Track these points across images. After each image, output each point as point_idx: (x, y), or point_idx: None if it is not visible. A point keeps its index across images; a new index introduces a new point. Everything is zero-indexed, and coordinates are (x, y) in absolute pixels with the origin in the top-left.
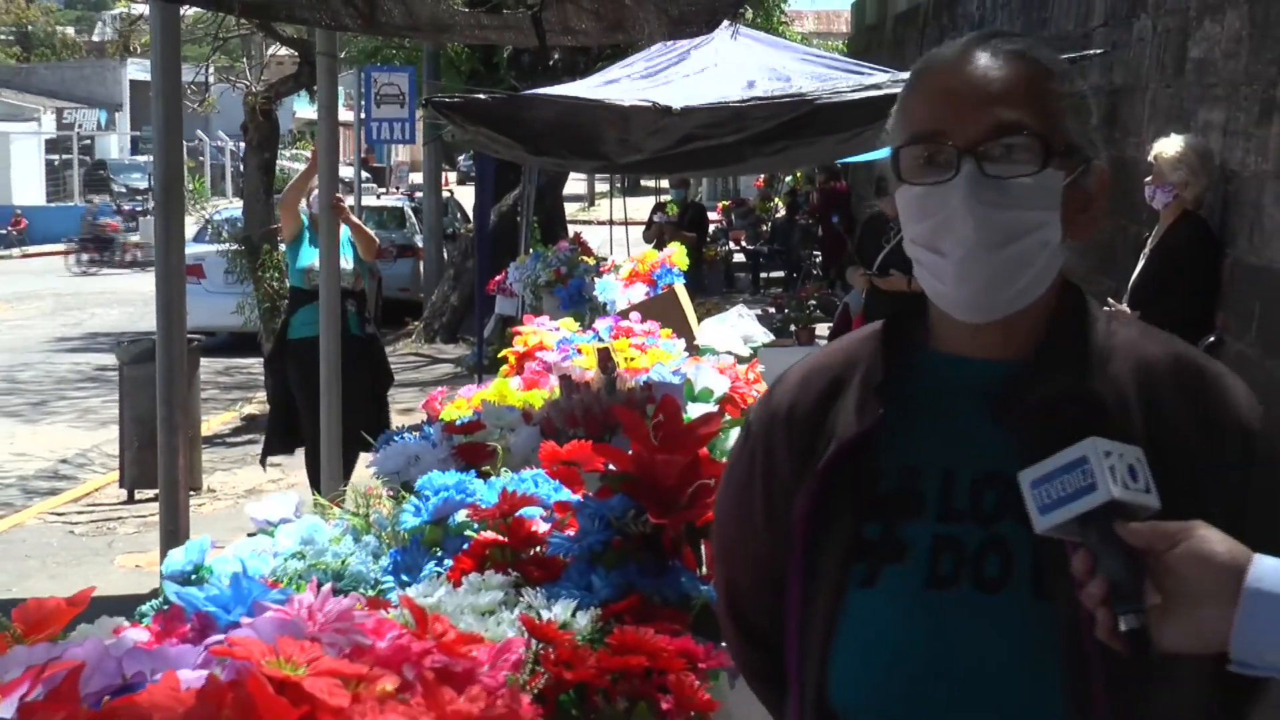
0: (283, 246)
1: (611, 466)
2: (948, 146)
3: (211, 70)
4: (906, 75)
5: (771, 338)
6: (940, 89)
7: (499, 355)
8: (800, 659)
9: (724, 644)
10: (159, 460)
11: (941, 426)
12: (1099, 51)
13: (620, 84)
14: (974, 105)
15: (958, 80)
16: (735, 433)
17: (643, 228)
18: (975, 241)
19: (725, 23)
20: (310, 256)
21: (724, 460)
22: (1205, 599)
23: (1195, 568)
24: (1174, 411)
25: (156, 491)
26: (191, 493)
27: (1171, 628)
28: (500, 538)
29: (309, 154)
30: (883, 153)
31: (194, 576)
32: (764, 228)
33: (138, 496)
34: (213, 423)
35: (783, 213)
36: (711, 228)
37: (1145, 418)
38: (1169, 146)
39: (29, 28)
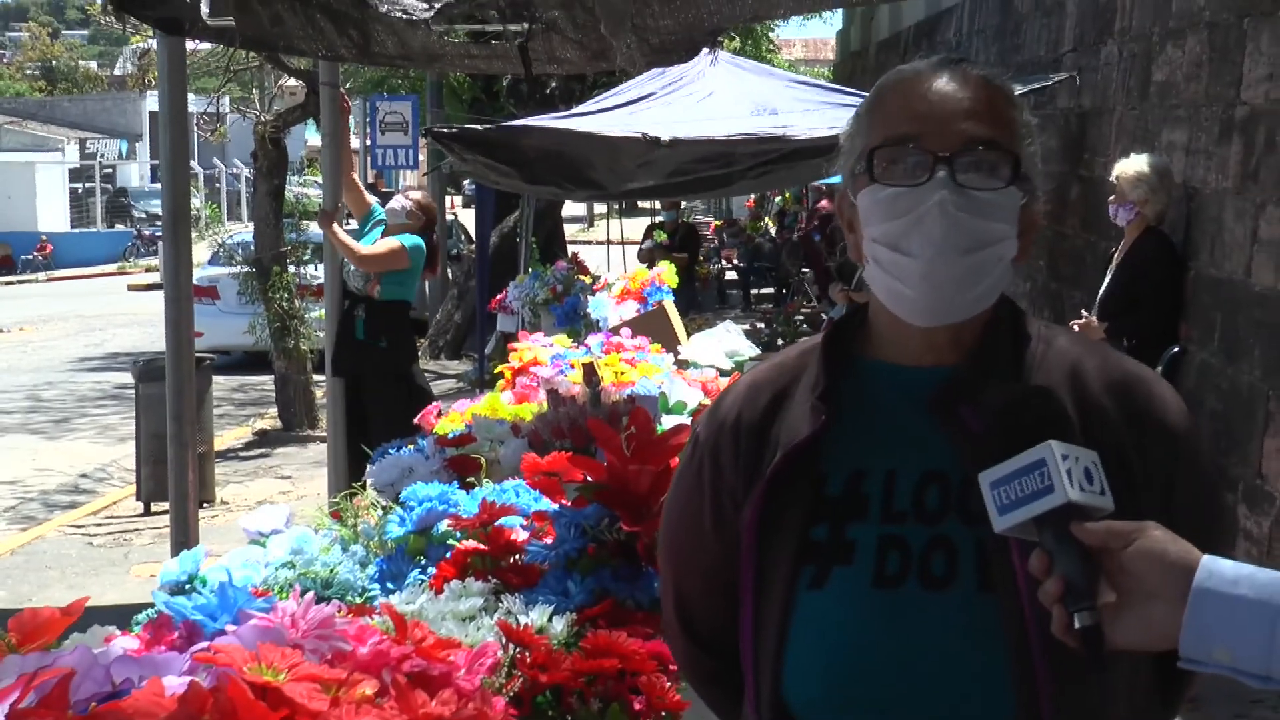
0: (292, 268)
1: (588, 477)
2: (923, 152)
3: (225, 101)
4: None
5: (757, 352)
6: (917, 97)
7: (498, 370)
8: (754, 660)
9: (670, 647)
10: (169, 474)
11: (883, 430)
12: (1066, 76)
13: (613, 112)
14: (950, 116)
15: (934, 92)
16: None
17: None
18: (945, 243)
19: (705, 50)
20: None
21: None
22: (1156, 597)
23: (1147, 567)
24: (1105, 415)
25: None
26: (204, 505)
27: (1124, 624)
28: (481, 546)
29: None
30: None
31: (188, 586)
32: (766, 244)
33: (153, 509)
34: (226, 438)
35: (773, 232)
36: (705, 246)
37: (1080, 422)
38: (1129, 166)
39: (54, 63)
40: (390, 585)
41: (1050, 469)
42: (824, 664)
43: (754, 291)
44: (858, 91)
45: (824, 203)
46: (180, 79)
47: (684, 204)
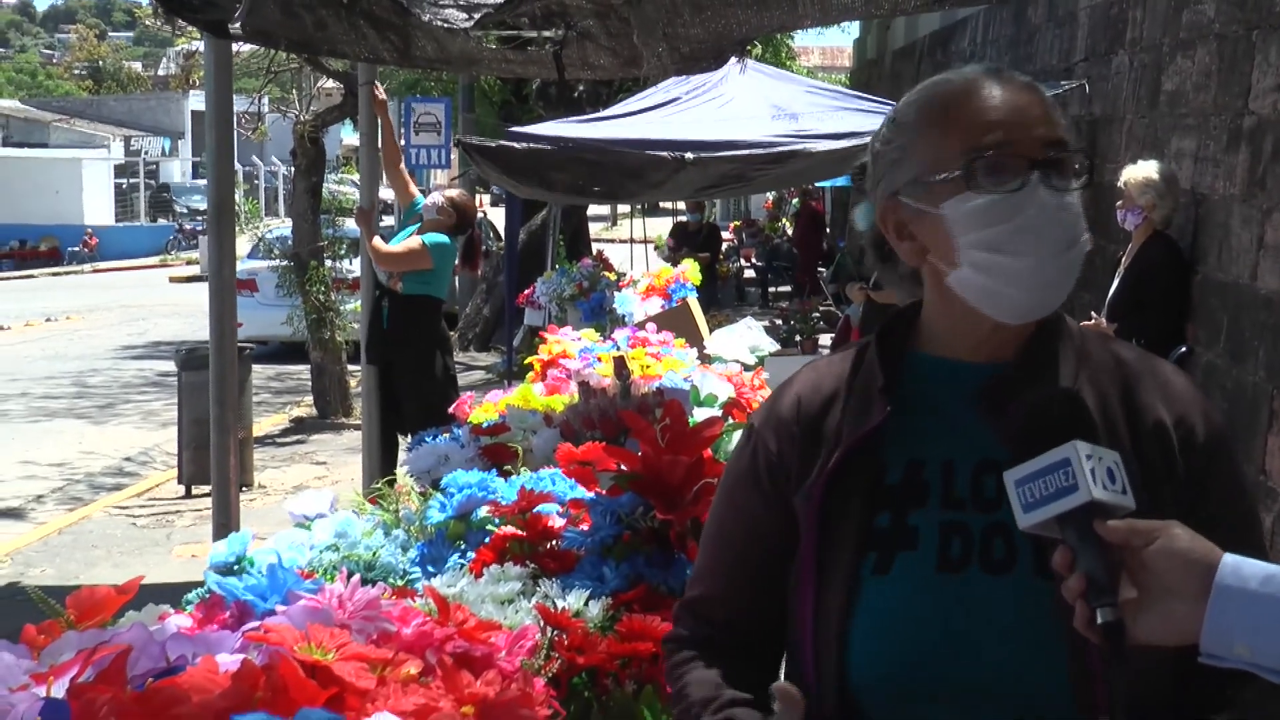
0: (329, 262)
1: (622, 467)
2: (1018, 157)
3: (265, 101)
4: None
5: (777, 347)
6: (996, 105)
7: (526, 363)
8: (815, 644)
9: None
10: (212, 458)
11: (939, 422)
12: (1077, 84)
13: (639, 116)
14: (1029, 122)
15: (1009, 99)
16: (737, 435)
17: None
18: (1058, 243)
19: (733, 59)
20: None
21: (726, 461)
22: (1178, 594)
23: (1169, 564)
24: (1146, 409)
25: (211, 487)
26: (243, 489)
27: (1146, 620)
28: (519, 532)
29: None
30: None
31: (236, 567)
32: (783, 244)
33: (194, 492)
34: (264, 424)
35: (790, 232)
36: (724, 246)
37: (1125, 417)
38: (1136, 172)
39: (100, 63)
40: (431, 569)
41: (1074, 468)
42: (891, 646)
43: (771, 289)
44: (874, 97)
45: (817, 203)
46: (226, 79)
47: (706, 204)
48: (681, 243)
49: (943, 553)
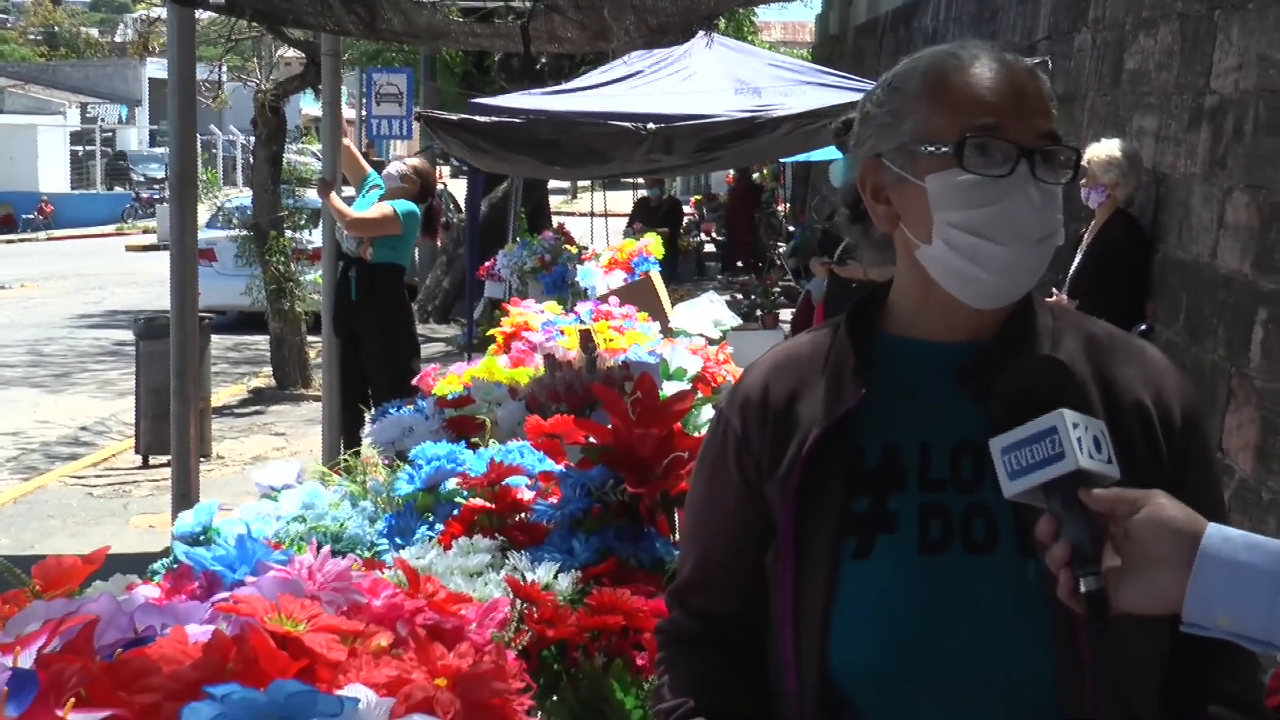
0: (289, 233)
1: (592, 439)
2: (1010, 143)
3: (224, 69)
4: (864, 81)
5: (739, 322)
6: (998, 89)
7: (487, 335)
8: (796, 631)
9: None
10: (172, 429)
11: (913, 404)
12: (1039, 61)
13: (603, 89)
14: (1026, 110)
15: (1012, 84)
16: (707, 409)
17: (622, 220)
18: (1032, 235)
19: (700, 33)
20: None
21: (697, 435)
22: (1162, 563)
23: (1153, 533)
24: (1122, 384)
25: (169, 458)
26: (201, 459)
27: (1130, 589)
28: (488, 504)
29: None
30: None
31: (202, 537)
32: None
33: (152, 462)
34: (222, 395)
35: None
36: (685, 220)
37: (1101, 393)
38: (1101, 150)
39: (56, 29)
40: (399, 540)
41: (1061, 436)
42: (874, 630)
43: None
44: (836, 72)
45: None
46: (189, 47)
47: (666, 180)
48: (643, 218)
49: (923, 535)
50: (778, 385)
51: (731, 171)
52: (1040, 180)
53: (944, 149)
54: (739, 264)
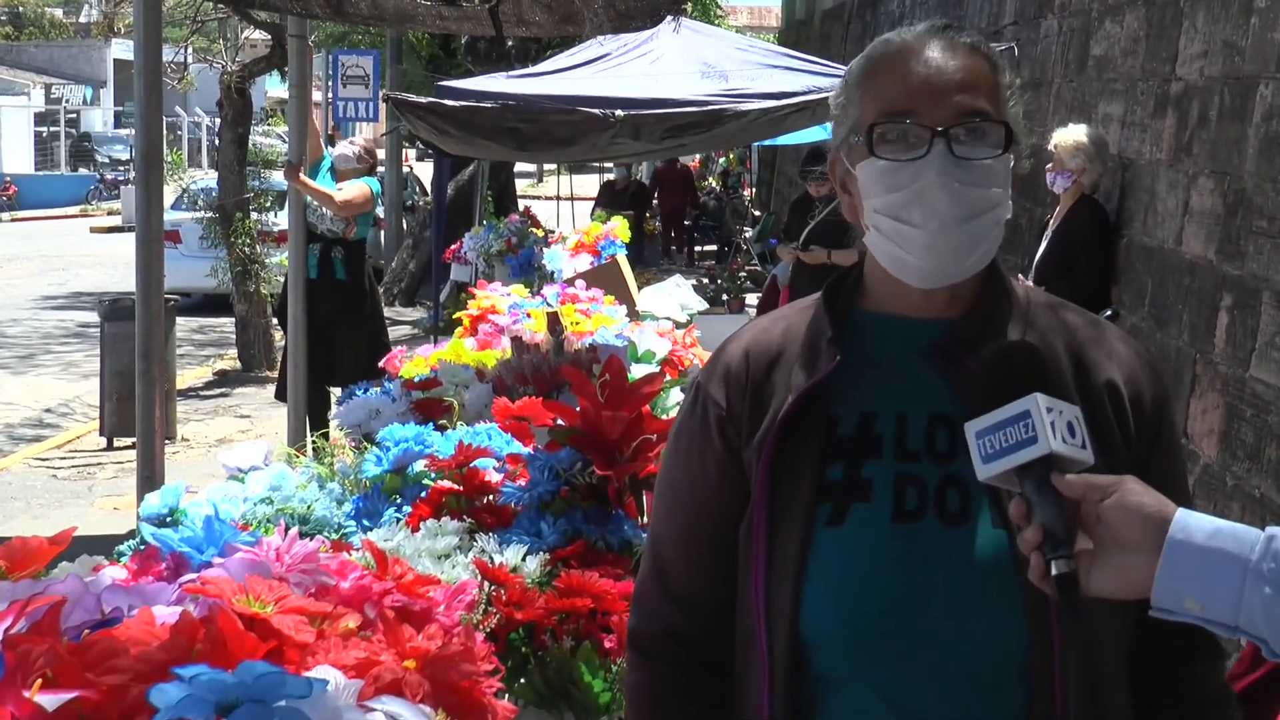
0: (254, 215)
1: (560, 422)
2: (920, 126)
3: (190, 51)
4: (831, 65)
5: (706, 305)
6: (912, 72)
7: (454, 318)
8: (767, 597)
9: (635, 604)
10: (137, 411)
11: (888, 376)
12: (1005, 47)
13: (569, 73)
14: (944, 90)
15: (928, 66)
16: (675, 392)
17: (588, 204)
18: (947, 215)
19: (668, 18)
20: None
21: (665, 417)
22: (1132, 548)
23: (1123, 518)
24: (1094, 367)
25: (134, 440)
26: (166, 441)
27: (1100, 573)
28: (456, 487)
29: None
30: (806, 135)
31: (169, 519)
32: (710, 202)
33: (116, 444)
34: (187, 377)
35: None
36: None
37: (1074, 377)
38: (1067, 136)
39: (20, 9)
40: (366, 523)
41: (1035, 420)
42: (845, 598)
43: (698, 249)
44: (804, 55)
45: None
46: (156, 27)
47: (633, 163)
48: (609, 201)
49: (898, 504)
50: (757, 356)
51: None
52: (960, 158)
53: (861, 139)
54: (672, 249)
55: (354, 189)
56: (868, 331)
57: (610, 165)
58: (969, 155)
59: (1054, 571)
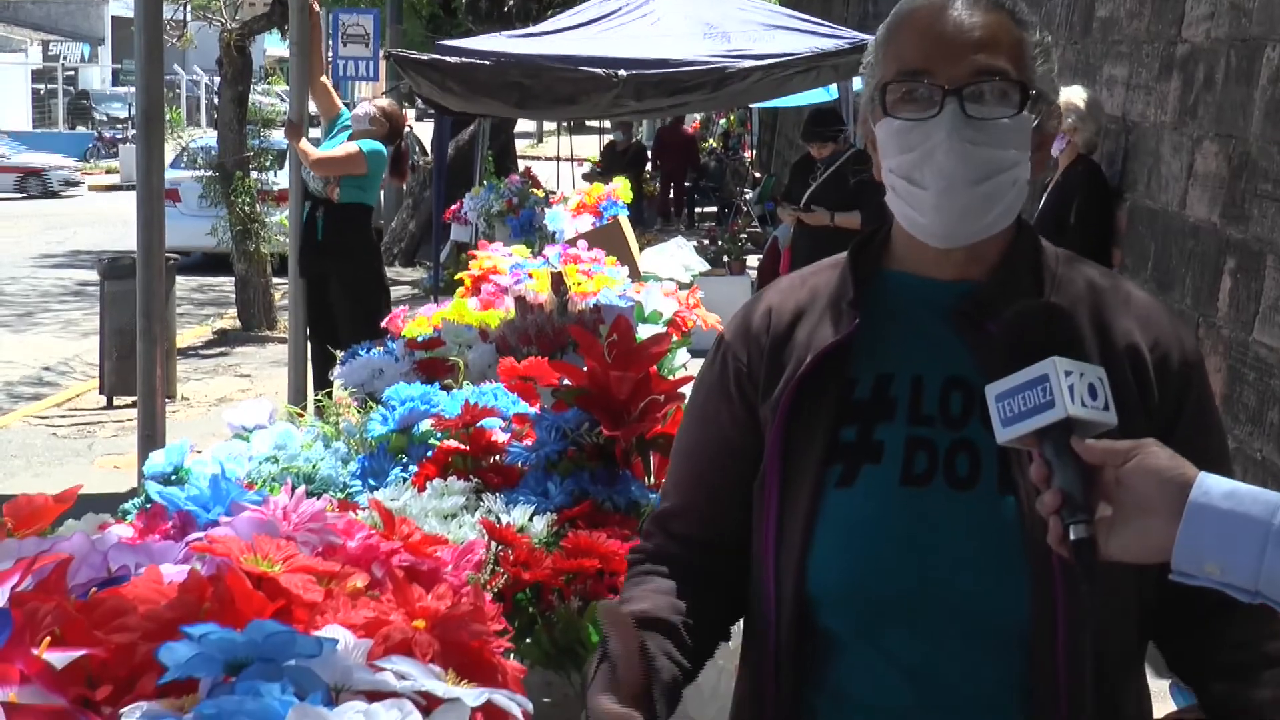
0: (254, 174)
1: (567, 382)
2: (933, 85)
3: (189, 8)
4: (834, 27)
5: (707, 267)
6: (927, 31)
7: (454, 278)
8: (776, 554)
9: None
10: (138, 369)
11: (909, 337)
12: None
13: (571, 33)
14: (959, 49)
15: (944, 24)
16: (681, 352)
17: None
18: (955, 176)
19: None
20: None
21: (672, 378)
22: (1153, 511)
23: (1144, 482)
24: (1119, 330)
25: (134, 398)
26: (166, 400)
27: (1120, 537)
28: (462, 446)
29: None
30: (809, 96)
31: (174, 477)
32: (711, 164)
33: (116, 403)
34: (186, 336)
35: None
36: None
37: (1096, 338)
38: (1059, 97)
39: None
40: (372, 482)
41: (1052, 384)
42: (850, 558)
43: (698, 210)
44: (807, 17)
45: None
46: None
47: (633, 124)
48: (610, 164)
49: (907, 467)
50: (780, 314)
51: (697, 115)
52: (973, 118)
53: (877, 98)
54: (670, 211)
55: (340, 148)
56: (891, 292)
57: (609, 125)
58: (983, 115)
59: (1072, 536)
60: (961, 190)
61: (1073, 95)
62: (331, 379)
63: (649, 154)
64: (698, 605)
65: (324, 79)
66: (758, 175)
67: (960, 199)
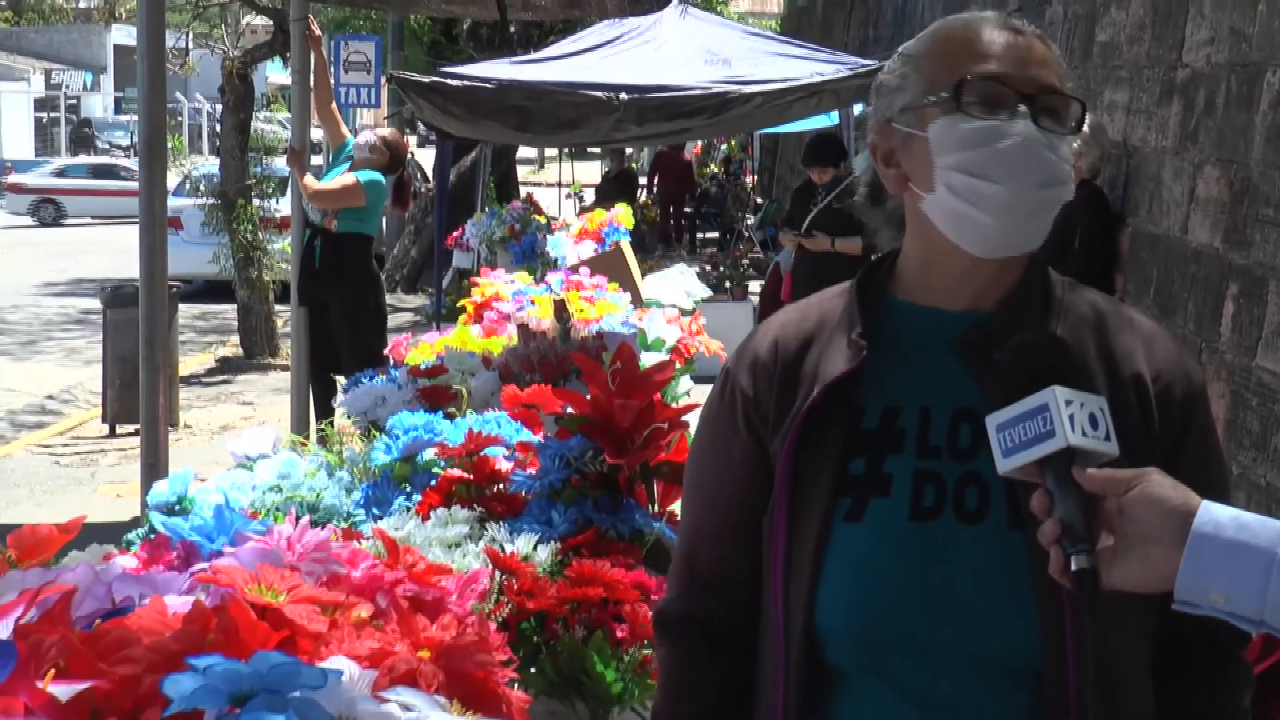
0: (256, 201)
1: (570, 409)
2: (1009, 89)
3: (191, 36)
4: (835, 53)
5: (709, 293)
6: (995, 41)
7: (456, 305)
8: (785, 592)
9: (668, 593)
10: (140, 397)
11: (916, 368)
12: None
13: (573, 59)
14: (1027, 61)
15: (1009, 37)
16: (685, 379)
17: (590, 191)
18: (1028, 175)
19: (675, 2)
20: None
21: (676, 405)
22: (1155, 540)
23: (1147, 511)
24: (1123, 358)
25: (137, 426)
26: (169, 428)
27: (1122, 566)
28: (466, 475)
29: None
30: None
31: (177, 507)
32: (712, 189)
33: (119, 431)
34: (189, 363)
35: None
36: (642, 193)
37: (1103, 367)
38: None
39: None
40: (376, 511)
41: (1053, 413)
42: (859, 594)
43: (699, 236)
44: (808, 44)
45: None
46: (158, 12)
47: (629, 150)
48: (599, 190)
49: (916, 501)
50: (786, 345)
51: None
52: (1043, 128)
53: (944, 94)
54: (670, 237)
55: (337, 181)
56: (898, 322)
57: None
58: (1051, 127)
59: (1074, 567)
60: (1031, 190)
61: None
62: (334, 407)
63: (638, 179)
64: (740, 684)
65: (332, 106)
66: (759, 201)
67: (1030, 199)
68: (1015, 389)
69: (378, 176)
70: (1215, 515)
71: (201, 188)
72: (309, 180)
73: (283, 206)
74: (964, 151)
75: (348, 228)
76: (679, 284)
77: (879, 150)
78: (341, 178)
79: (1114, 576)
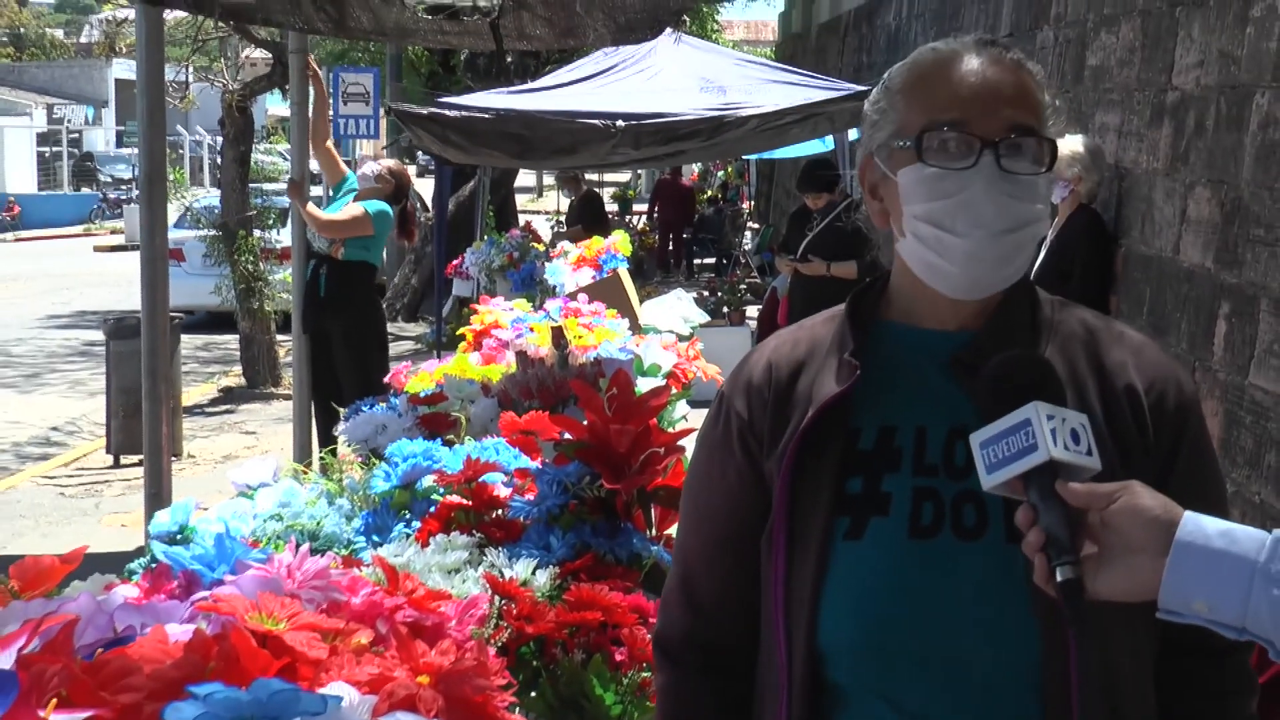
0: (257, 233)
1: (568, 435)
2: (970, 135)
3: (191, 70)
4: (829, 80)
5: (707, 318)
6: (963, 82)
7: (457, 333)
8: (786, 608)
9: (662, 619)
10: (144, 428)
11: (909, 388)
12: None
13: (570, 88)
14: (995, 102)
15: (978, 76)
16: (681, 404)
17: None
18: (993, 225)
19: (668, 30)
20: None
21: (672, 430)
22: (1139, 550)
23: (1130, 522)
24: (1116, 372)
25: (141, 457)
26: (173, 458)
27: (1107, 576)
28: (464, 501)
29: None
30: (805, 148)
31: (179, 536)
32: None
33: (123, 461)
34: (192, 394)
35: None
36: (641, 219)
37: (1095, 383)
38: (1064, 146)
39: (21, 29)
40: (375, 538)
41: (1034, 428)
42: (861, 612)
43: (697, 261)
44: (802, 71)
45: (683, 181)
46: (158, 47)
47: (626, 177)
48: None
49: (915, 518)
50: (780, 367)
51: (696, 167)
52: (1007, 171)
53: (908, 144)
54: (669, 263)
55: (345, 210)
56: (891, 343)
57: (609, 177)
58: (1015, 169)
59: (1059, 578)
60: (994, 239)
61: (1077, 145)
62: (336, 435)
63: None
64: (740, 707)
65: (329, 144)
66: (755, 226)
67: (993, 248)
68: (996, 406)
69: (385, 207)
70: (1198, 525)
71: (203, 220)
72: (315, 210)
73: (283, 237)
74: (928, 202)
75: (354, 256)
76: (676, 309)
77: (865, 181)
78: (349, 208)
79: (1099, 586)
